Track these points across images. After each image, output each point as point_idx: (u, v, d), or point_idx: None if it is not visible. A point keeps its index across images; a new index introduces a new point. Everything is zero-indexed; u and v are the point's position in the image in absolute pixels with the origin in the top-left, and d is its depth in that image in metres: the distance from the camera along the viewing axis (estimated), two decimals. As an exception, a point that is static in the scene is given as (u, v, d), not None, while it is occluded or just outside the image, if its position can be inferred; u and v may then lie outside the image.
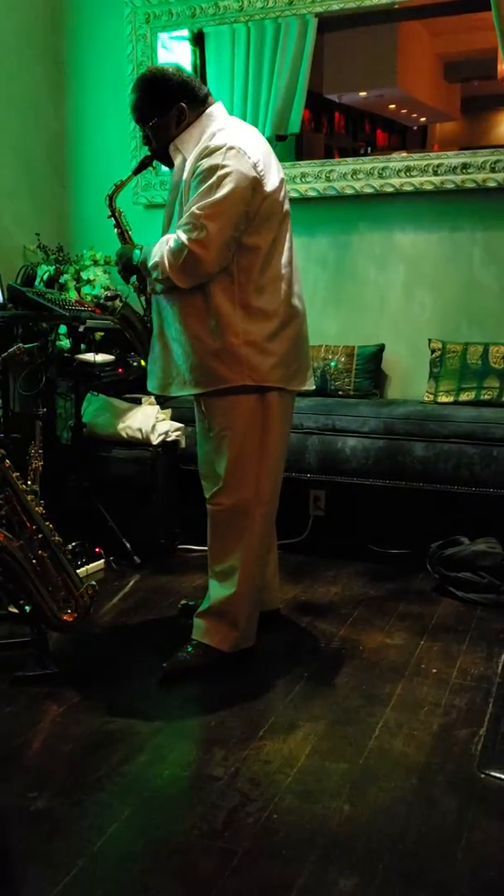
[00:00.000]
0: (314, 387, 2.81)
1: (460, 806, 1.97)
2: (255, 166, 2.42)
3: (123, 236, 2.73)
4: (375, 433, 3.56)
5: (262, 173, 2.44)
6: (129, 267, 2.64)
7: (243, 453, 2.58)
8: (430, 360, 3.88)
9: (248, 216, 2.42)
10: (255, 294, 2.50)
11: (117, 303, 2.71)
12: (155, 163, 2.74)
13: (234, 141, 2.42)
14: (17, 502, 2.55)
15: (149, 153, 2.64)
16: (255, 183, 2.41)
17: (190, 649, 2.65)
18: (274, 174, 2.51)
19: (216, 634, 2.65)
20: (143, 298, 2.71)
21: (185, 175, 2.48)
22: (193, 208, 2.37)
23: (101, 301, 2.94)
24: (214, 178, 2.36)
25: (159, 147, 2.57)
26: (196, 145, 2.48)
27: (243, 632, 2.67)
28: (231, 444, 2.58)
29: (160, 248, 2.45)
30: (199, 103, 2.54)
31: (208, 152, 2.40)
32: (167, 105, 2.50)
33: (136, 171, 2.73)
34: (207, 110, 2.54)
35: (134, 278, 2.68)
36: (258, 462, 2.60)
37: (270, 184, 2.47)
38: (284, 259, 2.58)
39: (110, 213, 2.73)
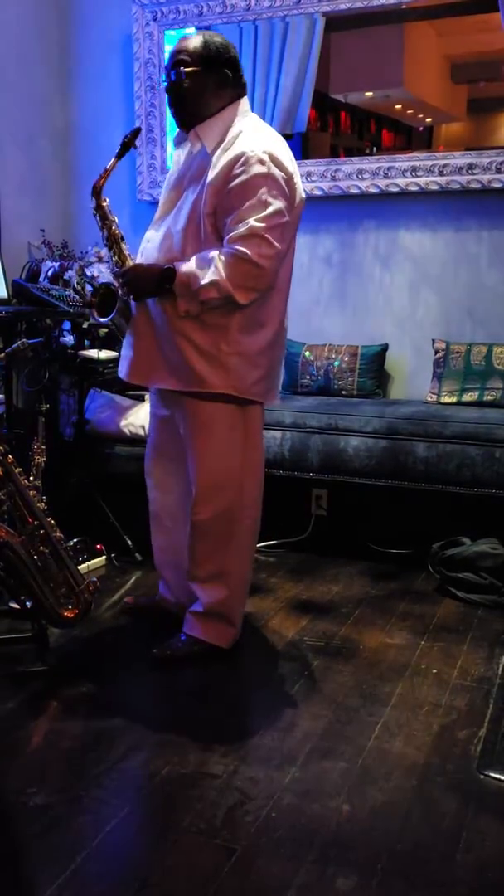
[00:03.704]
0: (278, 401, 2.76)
1: (460, 807, 1.97)
2: (291, 178, 2.40)
3: (111, 238, 2.53)
4: (378, 433, 3.55)
5: (294, 186, 2.42)
6: (148, 289, 2.41)
7: (223, 461, 2.55)
8: (434, 361, 3.87)
9: None
10: (256, 306, 2.44)
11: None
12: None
13: (272, 149, 2.36)
14: (19, 498, 2.55)
15: (131, 133, 2.50)
16: (291, 191, 2.40)
17: (183, 638, 2.67)
18: (300, 188, 2.48)
19: (215, 632, 2.67)
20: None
21: (210, 175, 2.35)
22: (251, 222, 2.28)
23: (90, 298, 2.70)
24: (263, 186, 2.30)
25: (183, 102, 2.41)
26: (219, 138, 2.39)
27: (239, 627, 2.71)
28: (209, 450, 2.54)
29: (210, 266, 2.30)
30: (239, 87, 2.46)
31: (247, 159, 2.31)
32: (217, 64, 2.39)
33: (120, 156, 2.51)
34: (239, 101, 2.47)
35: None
36: (240, 471, 2.59)
37: (298, 197, 2.46)
38: (286, 274, 2.56)
39: (95, 208, 2.53)
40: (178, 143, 2.57)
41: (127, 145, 2.52)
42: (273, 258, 2.32)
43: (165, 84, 2.47)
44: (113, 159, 2.52)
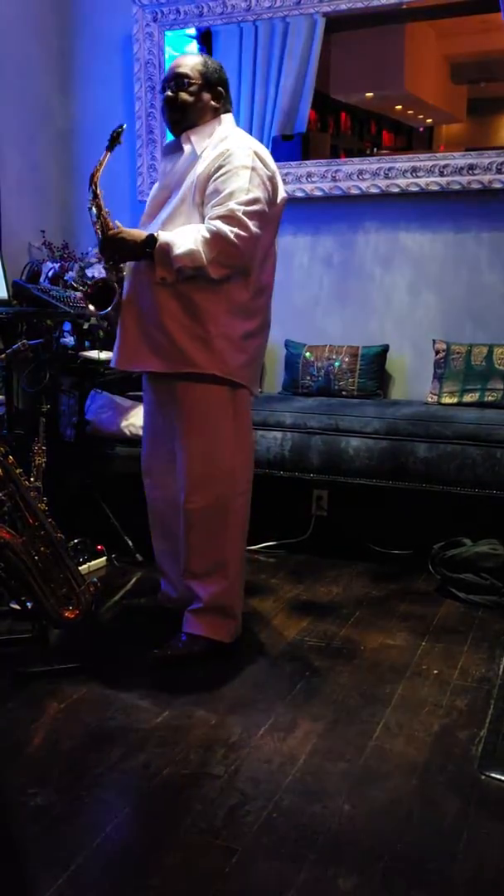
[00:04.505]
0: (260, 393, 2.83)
1: (460, 807, 1.97)
2: (273, 176, 2.55)
3: (104, 231, 2.55)
4: (379, 434, 3.55)
5: (276, 185, 2.57)
6: (132, 251, 2.50)
7: (215, 447, 2.61)
8: (435, 361, 3.87)
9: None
10: (244, 292, 2.54)
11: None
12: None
13: (257, 147, 2.54)
14: (19, 498, 2.55)
15: (118, 130, 2.59)
16: (273, 189, 2.54)
17: (184, 639, 2.68)
18: (282, 188, 2.62)
19: (217, 628, 2.69)
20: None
21: (198, 170, 2.50)
22: (232, 203, 2.41)
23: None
24: (247, 176, 2.44)
25: (183, 113, 2.57)
26: (208, 142, 2.55)
27: (240, 618, 2.73)
28: (200, 435, 2.59)
29: (191, 238, 2.40)
30: (228, 104, 2.66)
31: (233, 151, 2.47)
32: (215, 82, 2.59)
33: (111, 147, 2.60)
34: (228, 115, 2.65)
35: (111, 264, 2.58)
36: (233, 457, 2.64)
37: (280, 196, 2.59)
38: (270, 274, 2.66)
39: (92, 200, 2.57)
40: (166, 153, 2.70)
41: (114, 138, 2.61)
42: (248, 241, 2.42)
43: (164, 95, 2.61)
44: (105, 152, 2.62)
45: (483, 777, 2.09)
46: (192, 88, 2.55)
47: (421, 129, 6.34)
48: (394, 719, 2.35)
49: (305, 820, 1.91)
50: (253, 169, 2.46)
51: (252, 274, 2.54)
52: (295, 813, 1.94)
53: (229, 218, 2.40)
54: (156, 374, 2.65)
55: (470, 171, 3.79)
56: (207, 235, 2.39)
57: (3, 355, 2.79)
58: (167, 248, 2.42)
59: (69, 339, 3.73)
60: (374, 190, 3.96)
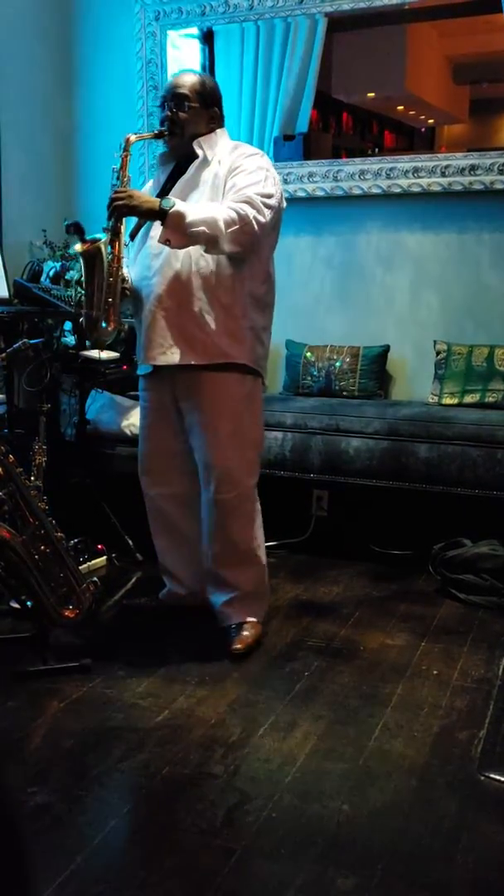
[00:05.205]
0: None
1: (459, 808, 1.97)
2: (279, 184, 2.69)
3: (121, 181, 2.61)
4: (379, 434, 3.55)
5: (281, 193, 2.67)
6: (149, 211, 2.51)
7: (241, 437, 2.70)
8: (435, 362, 3.87)
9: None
10: (260, 286, 2.68)
11: (99, 244, 2.60)
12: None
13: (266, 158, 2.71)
14: (20, 498, 2.55)
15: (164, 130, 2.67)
16: (280, 196, 2.64)
17: (233, 634, 2.75)
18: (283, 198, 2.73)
19: (257, 609, 2.82)
20: (110, 249, 2.61)
21: (220, 171, 2.61)
22: (251, 192, 2.51)
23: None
24: (263, 174, 2.58)
25: (182, 131, 2.65)
26: (217, 150, 2.66)
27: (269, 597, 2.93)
28: (228, 426, 2.67)
29: (214, 209, 2.49)
30: (221, 120, 2.76)
31: (250, 153, 2.64)
32: (211, 103, 2.70)
33: (160, 136, 2.70)
34: (222, 129, 2.75)
35: (111, 223, 2.59)
36: (256, 446, 2.78)
37: (284, 200, 2.70)
38: (273, 270, 2.75)
39: (123, 156, 2.61)
40: (163, 163, 2.79)
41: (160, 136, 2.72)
42: (263, 227, 2.52)
43: (163, 113, 2.70)
44: (151, 134, 2.78)
45: (482, 778, 2.09)
46: (190, 109, 2.66)
47: (423, 130, 6.34)
48: (393, 720, 2.35)
49: (305, 820, 1.91)
50: (269, 171, 2.62)
51: (266, 267, 2.67)
52: (294, 813, 1.94)
53: (251, 203, 2.50)
54: (175, 368, 2.66)
55: (472, 172, 3.79)
56: (231, 212, 2.48)
57: (3, 354, 2.79)
58: (183, 213, 2.46)
59: (70, 339, 3.73)
60: (375, 190, 3.96)
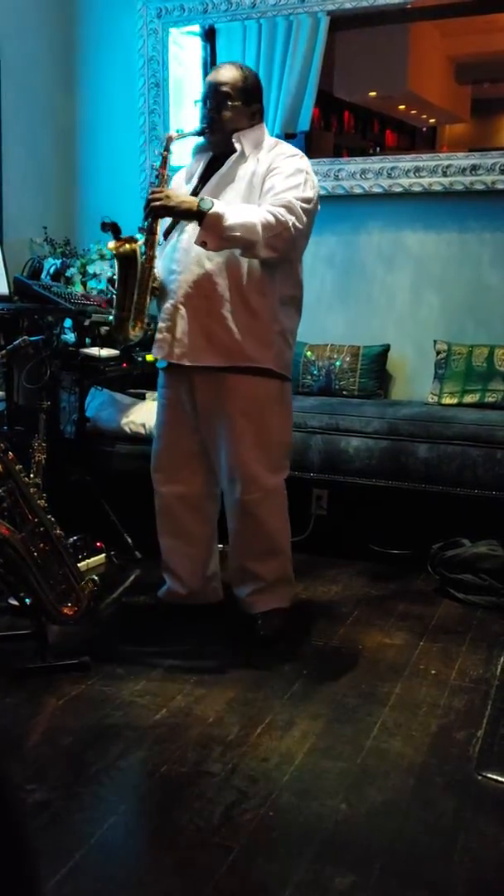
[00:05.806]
0: None
1: (457, 807, 1.97)
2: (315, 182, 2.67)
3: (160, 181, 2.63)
4: (379, 433, 3.56)
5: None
6: (187, 212, 2.49)
7: (269, 439, 2.70)
8: (436, 362, 3.87)
9: None
10: (291, 289, 2.68)
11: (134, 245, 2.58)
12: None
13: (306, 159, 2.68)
14: (19, 495, 2.55)
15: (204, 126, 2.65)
16: (317, 199, 2.64)
17: (262, 621, 2.80)
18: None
19: (284, 596, 2.86)
20: (144, 249, 2.61)
21: (259, 170, 2.58)
22: (290, 196, 2.50)
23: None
24: (303, 177, 2.57)
25: (223, 127, 2.63)
26: (257, 145, 2.64)
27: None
28: (255, 428, 2.66)
29: (252, 213, 2.46)
30: (263, 114, 2.75)
31: (290, 154, 2.61)
32: (253, 99, 2.67)
33: (201, 133, 2.69)
34: (261, 123, 2.73)
35: (147, 222, 2.58)
36: (283, 446, 2.78)
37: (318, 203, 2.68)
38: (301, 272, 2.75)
39: (163, 154, 2.64)
40: (199, 153, 2.77)
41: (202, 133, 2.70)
42: (300, 232, 2.52)
43: (205, 112, 2.66)
44: (193, 132, 2.73)
45: (480, 777, 2.09)
46: (232, 108, 2.62)
47: (424, 129, 6.33)
48: (391, 719, 2.35)
49: (302, 819, 1.92)
50: (307, 173, 2.60)
51: (296, 269, 2.67)
52: (292, 812, 1.94)
53: (290, 209, 2.48)
54: (201, 369, 2.65)
55: (473, 172, 3.79)
56: (269, 216, 2.46)
57: (3, 351, 2.79)
58: (222, 215, 2.44)
59: (70, 336, 3.73)
60: (376, 189, 3.96)
